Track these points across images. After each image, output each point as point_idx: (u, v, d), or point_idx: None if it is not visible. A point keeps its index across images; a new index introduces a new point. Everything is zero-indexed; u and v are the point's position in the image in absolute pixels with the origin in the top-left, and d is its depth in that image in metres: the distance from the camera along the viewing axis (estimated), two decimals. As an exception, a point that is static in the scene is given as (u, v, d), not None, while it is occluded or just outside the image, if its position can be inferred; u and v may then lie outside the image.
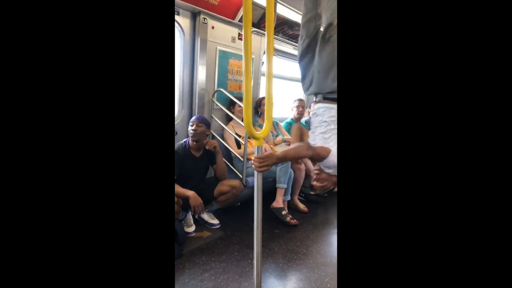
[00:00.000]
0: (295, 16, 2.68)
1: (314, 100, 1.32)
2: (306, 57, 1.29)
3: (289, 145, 2.40)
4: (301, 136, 1.54)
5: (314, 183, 1.29)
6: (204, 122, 1.93)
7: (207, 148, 1.92)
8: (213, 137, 2.35)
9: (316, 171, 1.27)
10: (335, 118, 1.18)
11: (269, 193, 2.21)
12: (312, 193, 2.55)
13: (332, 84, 1.18)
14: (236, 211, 2.26)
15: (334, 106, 1.21)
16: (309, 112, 3.27)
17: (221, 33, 2.35)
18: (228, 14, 2.30)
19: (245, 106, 0.89)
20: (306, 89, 1.35)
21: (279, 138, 2.51)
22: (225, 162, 2.15)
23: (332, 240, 1.95)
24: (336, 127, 1.17)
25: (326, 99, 1.24)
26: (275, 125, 2.69)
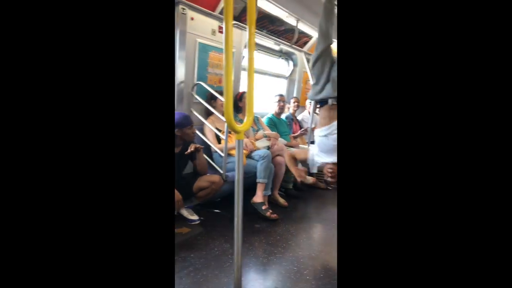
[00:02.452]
0: (277, 11, 2.66)
1: (326, 104, 1.41)
2: (319, 61, 1.38)
3: (269, 139, 2.41)
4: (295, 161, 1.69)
5: (329, 179, 1.39)
6: (191, 123, 1.93)
7: (187, 153, 1.89)
8: (193, 132, 2.30)
9: (329, 169, 1.37)
10: None
11: (250, 188, 2.21)
12: (330, 188, 2.69)
13: None
14: (216, 207, 2.24)
15: None
16: (289, 108, 3.30)
17: (201, 25, 2.28)
18: (208, 5, 2.24)
19: (226, 100, 0.88)
20: (316, 94, 1.42)
21: (260, 133, 2.51)
22: (205, 157, 2.12)
23: (312, 233, 1.99)
24: None
25: None
26: (256, 120, 2.68)
